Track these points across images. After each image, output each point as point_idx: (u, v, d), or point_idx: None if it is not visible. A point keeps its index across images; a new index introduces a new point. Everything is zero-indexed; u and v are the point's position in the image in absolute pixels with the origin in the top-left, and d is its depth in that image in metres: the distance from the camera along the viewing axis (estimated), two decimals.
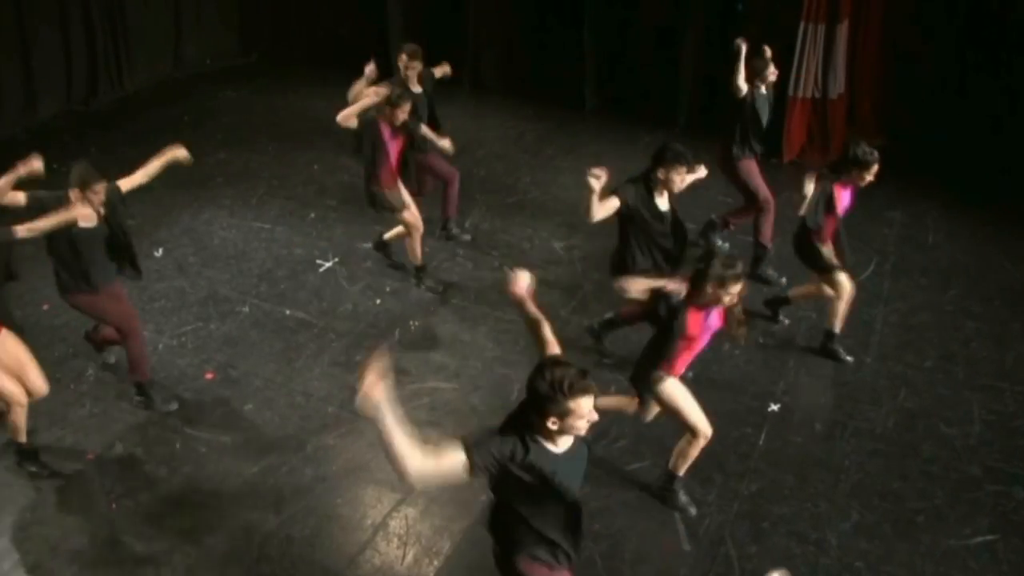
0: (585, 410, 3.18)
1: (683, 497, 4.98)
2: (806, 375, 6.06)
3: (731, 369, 6.09)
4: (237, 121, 9.98)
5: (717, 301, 4.53)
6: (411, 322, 6.65)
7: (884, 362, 6.21)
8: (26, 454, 5.20)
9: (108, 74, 10.45)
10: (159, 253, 7.46)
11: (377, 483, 5.18)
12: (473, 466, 3.17)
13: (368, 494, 5.11)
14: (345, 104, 6.62)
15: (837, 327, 6.17)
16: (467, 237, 7.79)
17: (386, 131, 6.58)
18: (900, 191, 8.39)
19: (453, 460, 3.16)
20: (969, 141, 8.87)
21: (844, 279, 5.98)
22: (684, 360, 4.79)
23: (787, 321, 6.62)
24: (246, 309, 6.77)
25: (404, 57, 7.30)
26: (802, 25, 8.70)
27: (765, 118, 7.04)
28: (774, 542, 4.76)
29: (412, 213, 6.91)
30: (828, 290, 6.08)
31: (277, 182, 8.75)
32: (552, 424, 3.19)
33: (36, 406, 5.21)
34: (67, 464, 5.27)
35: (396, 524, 4.91)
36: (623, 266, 5.59)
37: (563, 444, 3.31)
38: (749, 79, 6.83)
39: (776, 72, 7.05)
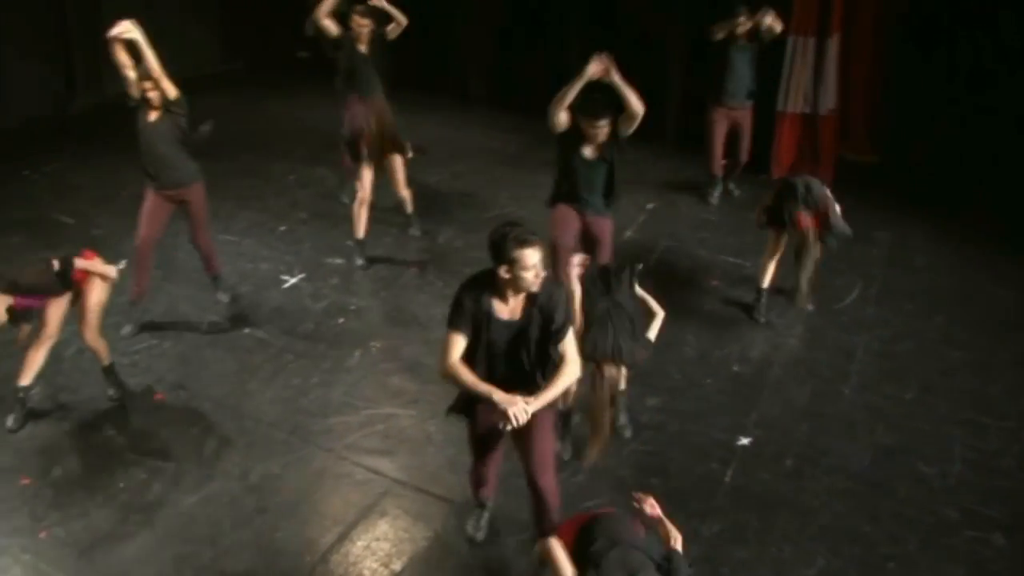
0: (529, 261, 3.72)
1: None
2: (780, 406, 5.78)
3: (700, 399, 5.82)
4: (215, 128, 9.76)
5: None
6: (372, 344, 6.41)
7: (862, 393, 5.94)
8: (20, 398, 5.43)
9: (86, 79, 10.25)
10: (122, 265, 7.21)
11: (320, 516, 4.93)
12: (455, 330, 3.94)
13: (310, 528, 4.85)
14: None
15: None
16: (416, 233, 7.77)
17: None
18: (889, 211, 8.14)
19: (449, 338, 3.97)
20: (962, 161, 8.61)
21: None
22: None
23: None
24: (203, 326, 6.54)
25: (355, 16, 7.38)
26: (791, 39, 8.45)
27: (740, 70, 7.85)
28: None
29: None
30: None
31: (249, 193, 8.54)
32: (505, 273, 3.77)
33: None
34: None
35: (337, 560, 4.66)
36: None
37: (511, 309, 3.91)
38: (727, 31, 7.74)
39: (748, 23, 7.71)
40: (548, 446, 4.29)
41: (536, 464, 4.24)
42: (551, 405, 4.23)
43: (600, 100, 5.76)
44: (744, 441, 5.46)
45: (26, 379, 5.48)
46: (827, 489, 5.11)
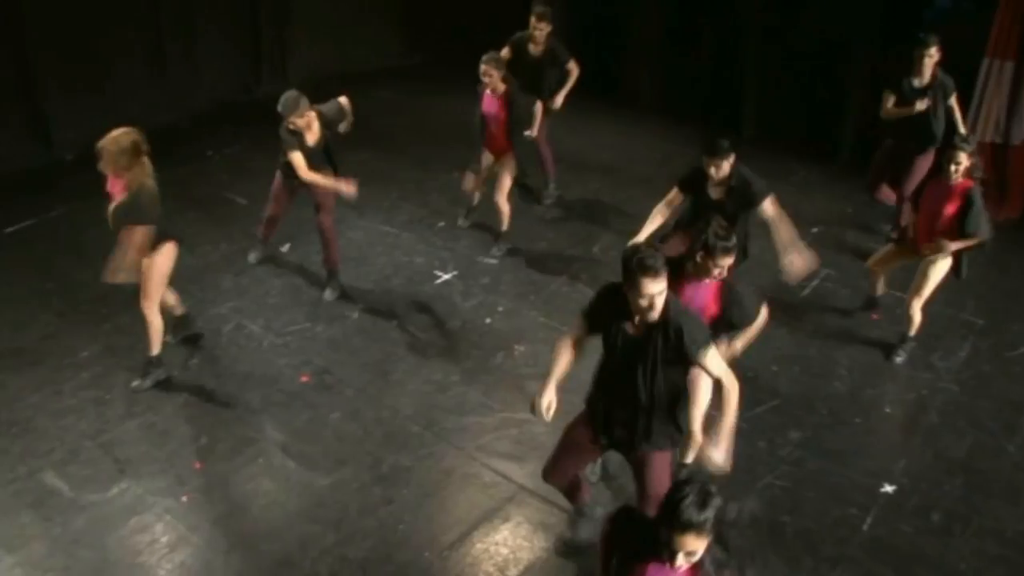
0: (645, 289, 3.59)
1: None
2: (932, 456, 5.42)
3: (846, 438, 5.53)
4: (386, 122, 10.03)
5: (706, 272, 4.47)
6: (516, 347, 6.42)
7: None
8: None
9: (272, 64, 10.76)
10: (286, 248, 7.56)
11: (444, 513, 5.00)
12: (580, 317, 4.10)
13: (432, 524, 4.92)
14: None
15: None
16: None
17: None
18: None
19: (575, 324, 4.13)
20: None
21: None
22: None
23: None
24: (355, 315, 6.74)
25: (533, 18, 7.58)
26: (986, 61, 7.90)
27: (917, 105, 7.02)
28: None
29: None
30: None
31: (413, 187, 8.73)
32: (628, 294, 3.68)
33: (141, 400, 5.54)
34: (147, 450, 5.38)
35: (454, 559, 4.70)
36: None
37: (631, 327, 3.82)
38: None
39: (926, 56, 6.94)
40: (665, 484, 4.09)
41: (650, 500, 4.09)
42: (670, 442, 4.15)
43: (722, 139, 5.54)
44: (888, 488, 5.15)
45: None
46: (976, 552, 4.75)
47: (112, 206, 5.46)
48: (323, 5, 11.15)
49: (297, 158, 6.35)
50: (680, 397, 4.10)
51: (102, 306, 6.70)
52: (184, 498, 5.05)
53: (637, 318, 3.83)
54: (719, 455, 4.09)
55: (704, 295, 4.60)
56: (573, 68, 7.93)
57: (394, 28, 12.08)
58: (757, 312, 4.73)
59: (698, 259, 4.48)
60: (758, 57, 9.65)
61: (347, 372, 6.10)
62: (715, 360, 3.94)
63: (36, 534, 4.81)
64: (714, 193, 5.63)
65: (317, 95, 6.52)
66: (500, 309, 6.87)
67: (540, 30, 7.76)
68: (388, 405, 5.80)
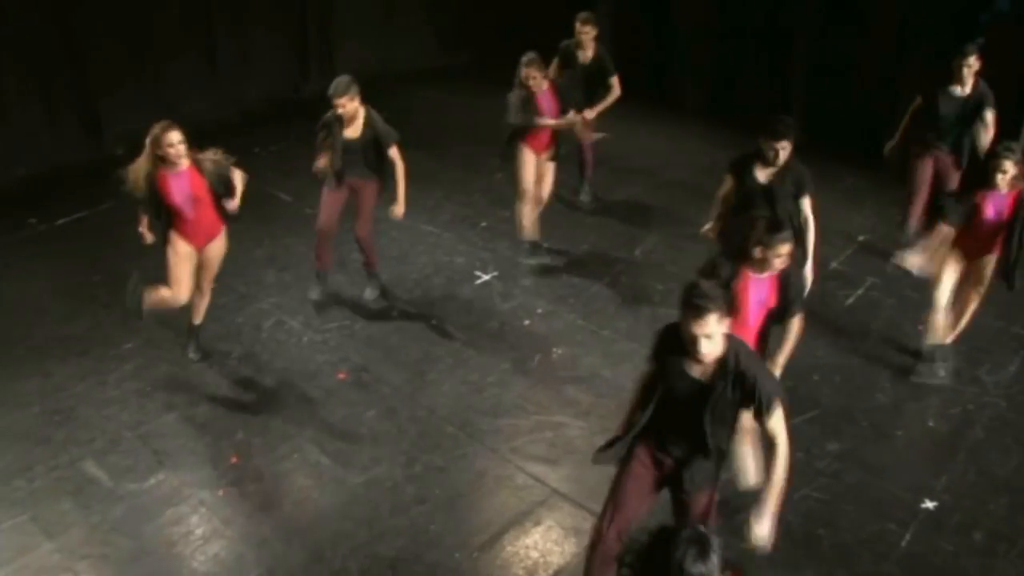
0: (692, 329, 3.50)
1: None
2: (976, 473, 5.29)
3: (886, 452, 5.43)
4: (431, 122, 10.07)
5: (767, 265, 4.52)
6: (554, 350, 6.40)
7: None
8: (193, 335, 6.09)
9: (320, 63, 10.84)
10: None
11: (475, 514, 5.00)
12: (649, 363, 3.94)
13: (464, 525, 4.92)
14: None
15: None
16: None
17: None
18: None
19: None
20: None
21: None
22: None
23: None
24: (394, 313, 6.77)
25: (577, 23, 7.55)
26: None
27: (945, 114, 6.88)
28: None
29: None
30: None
31: (456, 187, 8.75)
32: (681, 328, 3.58)
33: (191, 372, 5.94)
34: (185, 442, 5.45)
35: (484, 561, 4.70)
36: None
37: (697, 369, 3.66)
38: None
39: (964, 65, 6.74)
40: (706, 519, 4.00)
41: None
42: (711, 483, 3.97)
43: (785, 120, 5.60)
44: (929, 505, 5.04)
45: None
46: (1021, 575, 4.63)
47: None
48: (371, 4, 11.23)
49: (323, 161, 6.30)
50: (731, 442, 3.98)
51: None
52: (220, 491, 5.10)
53: (698, 360, 3.65)
54: (763, 529, 3.77)
55: (765, 288, 4.63)
56: (615, 85, 7.76)
57: (441, 27, 12.13)
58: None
59: (757, 255, 4.53)
60: (808, 62, 9.52)
61: (384, 370, 6.13)
62: (780, 420, 3.76)
63: (75, 521, 4.90)
64: (762, 176, 5.58)
65: (366, 95, 6.49)
66: (539, 311, 6.85)
67: (586, 34, 7.71)
68: (424, 405, 5.82)
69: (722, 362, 3.64)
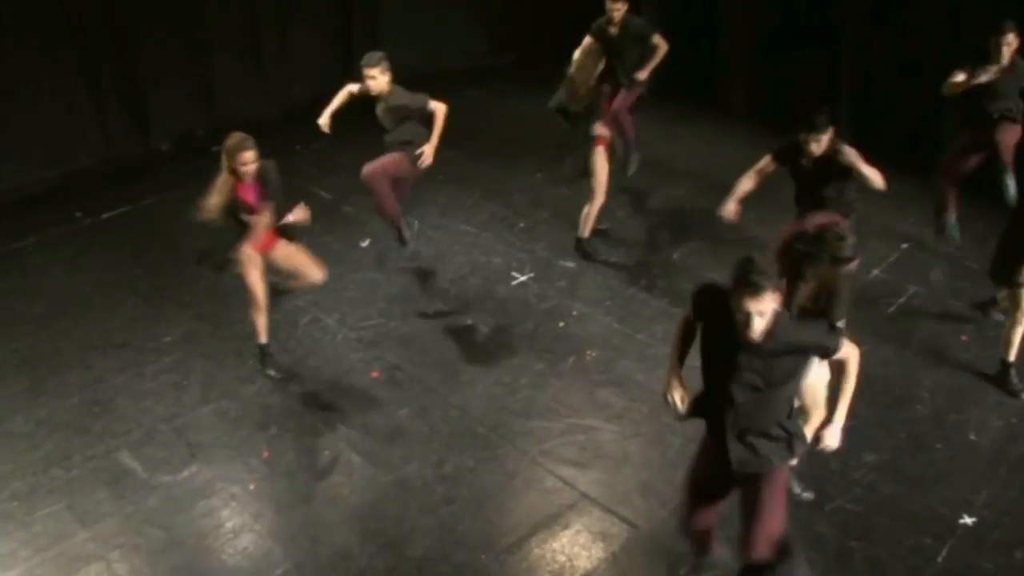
0: (744, 306, 3.41)
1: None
2: (1019, 489, 5.15)
3: (925, 465, 5.30)
4: (472, 121, 10.05)
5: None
6: (588, 352, 6.36)
7: None
8: (264, 355, 6.02)
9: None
10: (365, 244, 7.66)
11: (504, 516, 4.98)
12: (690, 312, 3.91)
13: (492, 527, 4.91)
14: None
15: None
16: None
17: None
18: None
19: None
20: None
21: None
22: None
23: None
24: (429, 313, 6.78)
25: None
26: None
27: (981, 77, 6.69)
28: None
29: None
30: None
31: (496, 187, 8.74)
32: (732, 301, 3.48)
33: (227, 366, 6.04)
34: (219, 436, 5.51)
35: (511, 563, 4.68)
36: None
37: (750, 341, 3.51)
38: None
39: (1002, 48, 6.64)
40: (779, 516, 3.83)
41: (757, 536, 3.78)
42: (787, 450, 3.82)
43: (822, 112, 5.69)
44: (968, 520, 4.92)
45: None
46: None
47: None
48: (416, 3, 11.26)
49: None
50: (792, 403, 3.88)
51: (186, 293, 6.91)
52: (251, 486, 5.15)
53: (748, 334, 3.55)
54: (833, 435, 3.90)
55: None
56: (660, 42, 7.87)
57: (485, 27, 12.13)
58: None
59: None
60: (856, 64, 9.36)
61: (418, 369, 6.14)
62: (846, 347, 3.76)
63: (110, 511, 4.98)
64: (808, 165, 5.75)
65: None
66: (574, 313, 6.82)
67: (617, 10, 7.76)
68: (456, 405, 5.82)
69: (770, 335, 3.54)
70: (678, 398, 3.92)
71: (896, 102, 9.19)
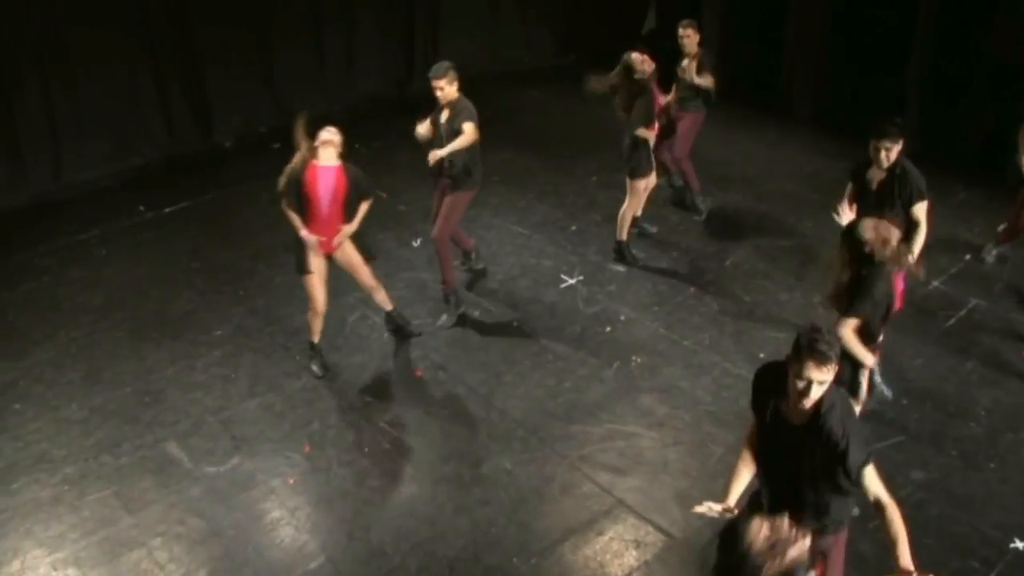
0: (803, 372, 3.31)
1: None
2: None
3: (976, 485, 5.14)
4: (531, 122, 10.09)
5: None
6: (633, 358, 6.31)
7: None
8: (313, 352, 6.11)
9: (425, 62, 10.96)
10: (417, 243, 7.71)
11: (538, 520, 4.97)
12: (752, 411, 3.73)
13: (526, 530, 4.89)
14: None
15: None
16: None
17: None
18: None
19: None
20: None
21: None
22: None
23: None
24: (477, 313, 6.79)
25: (680, 28, 7.65)
26: None
27: None
28: None
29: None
30: None
31: (550, 188, 8.72)
32: (790, 369, 3.38)
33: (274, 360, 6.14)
34: (263, 429, 5.60)
35: (544, 568, 4.66)
36: None
37: (797, 418, 3.45)
38: None
39: None
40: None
41: None
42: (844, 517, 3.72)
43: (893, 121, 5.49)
44: (1020, 545, 4.75)
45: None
46: None
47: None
48: (479, 4, 11.30)
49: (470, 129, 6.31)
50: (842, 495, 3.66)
51: (239, 288, 7.05)
52: (290, 480, 5.23)
53: (798, 409, 3.45)
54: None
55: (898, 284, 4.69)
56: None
57: (549, 27, 12.12)
58: None
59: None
60: (924, 71, 9.12)
61: (461, 370, 6.16)
62: (874, 481, 3.54)
63: (154, 499, 5.10)
64: (874, 182, 5.50)
65: (469, 93, 6.51)
66: (622, 318, 6.77)
67: (689, 38, 7.63)
68: (497, 407, 5.82)
69: (817, 407, 3.43)
70: (719, 509, 3.63)
71: (964, 109, 8.95)
